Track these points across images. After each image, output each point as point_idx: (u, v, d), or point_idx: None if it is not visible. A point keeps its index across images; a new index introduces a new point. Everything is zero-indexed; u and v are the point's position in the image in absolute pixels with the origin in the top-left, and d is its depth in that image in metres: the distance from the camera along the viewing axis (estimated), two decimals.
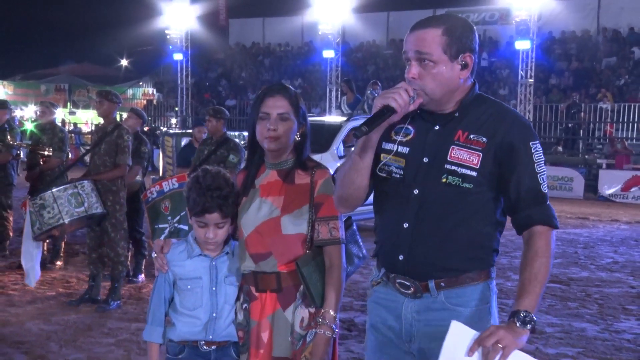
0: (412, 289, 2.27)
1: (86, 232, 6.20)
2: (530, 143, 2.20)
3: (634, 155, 18.09)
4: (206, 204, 2.53)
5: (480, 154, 2.18)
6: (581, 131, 20.67)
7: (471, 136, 2.20)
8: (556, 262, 8.46)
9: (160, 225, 6.05)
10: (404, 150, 2.27)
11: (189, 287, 2.61)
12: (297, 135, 2.56)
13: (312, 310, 2.51)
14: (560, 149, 19.38)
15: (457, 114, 2.24)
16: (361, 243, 2.80)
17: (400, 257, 2.26)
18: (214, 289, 2.61)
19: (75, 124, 29.89)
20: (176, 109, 27.22)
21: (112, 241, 5.88)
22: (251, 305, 2.57)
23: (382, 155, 2.29)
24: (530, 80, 20.06)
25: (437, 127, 2.25)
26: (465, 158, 2.18)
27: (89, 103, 31.79)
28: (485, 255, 2.29)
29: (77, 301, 5.98)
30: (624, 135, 19.59)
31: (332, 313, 2.47)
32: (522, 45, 19.74)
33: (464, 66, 2.21)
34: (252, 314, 2.56)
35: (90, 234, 6.01)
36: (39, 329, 5.29)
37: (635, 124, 20.07)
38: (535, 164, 2.19)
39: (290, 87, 2.62)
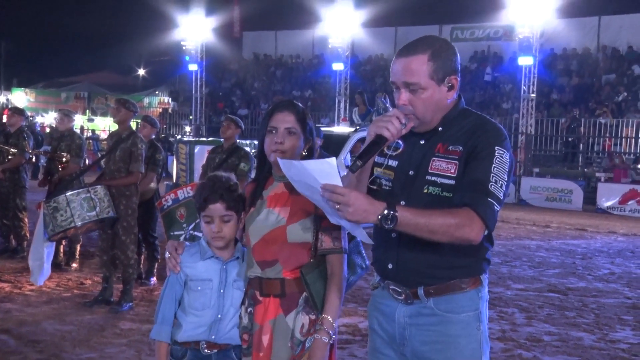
0: (403, 295, 2.35)
1: (98, 235, 6.32)
2: (496, 147, 2.21)
3: (631, 170, 18.52)
4: (208, 195, 2.63)
5: (457, 162, 2.22)
6: (581, 145, 21.04)
7: (450, 147, 2.25)
8: (554, 272, 8.72)
9: (176, 232, 6.15)
10: (393, 163, 2.35)
11: (199, 288, 2.65)
12: (304, 150, 2.62)
13: (313, 317, 2.55)
14: None
15: (440, 128, 2.31)
16: (364, 254, 2.84)
17: (390, 266, 2.36)
18: (222, 291, 2.65)
19: (93, 131, 30.40)
20: (190, 117, 27.84)
21: (123, 244, 5.96)
22: (255, 308, 2.61)
23: (374, 168, 2.38)
24: (533, 95, 20.32)
25: (422, 141, 2.32)
26: (443, 168, 2.24)
27: (107, 111, 32.35)
28: (473, 264, 2.32)
29: (91, 302, 6.10)
30: (622, 150, 20.00)
31: (330, 320, 2.50)
32: (525, 61, 20.02)
33: (451, 87, 2.28)
34: (256, 318, 2.61)
35: (102, 237, 6.12)
36: (54, 328, 5.39)
37: (633, 139, 20.47)
38: (493, 166, 2.18)
39: (299, 104, 2.68)
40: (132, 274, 6.10)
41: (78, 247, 7.73)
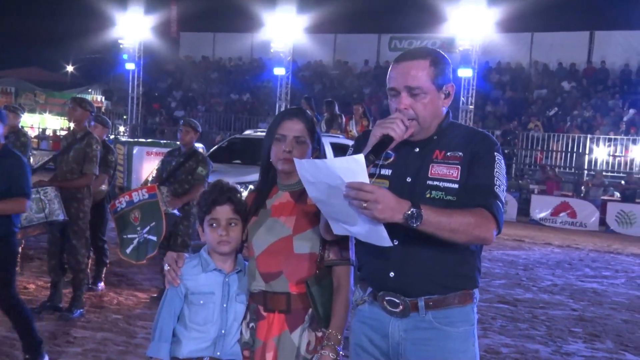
0: (401, 306, 2.31)
1: (47, 238, 6.11)
2: (495, 153, 2.31)
3: (562, 183, 19.24)
4: (216, 197, 2.57)
5: (459, 166, 2.28)
6: (514, 157, 21.77)
7: (448, 153, 2.31)
8: (500, 282, 8.90)
9: (129, 235, 6.01)
10: (387, 172, 2.36)
11: (201, 302, 2.55)
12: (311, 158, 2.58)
13: (320, 334, 2.48)
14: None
15: (435, 137, 2.36)
16: None
17: (392, 274, 2.31)
18: (225, 305, 2.56)
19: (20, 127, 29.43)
20: (125, 117, 27.25)
21: (74, 248, 5.80)
22: (258, 324, 2.53)
23: None
24: (471, 106, 20.78)
25: (417, 150, 2.35)
26: (445, 172, 2.28)
27: (35, 107, 31.41)
28: (471, 272, 2.36)
29: (39, 309, 5.81)
30: (552, 163, 20.71)
31: (337, 335, 2.43)
32: (465, 73, 20.41)
33: (447, 95, 2.36)
34: (258, 334, 2.53)
35: (51, 240, 5.94)
36: (2, 336, 5.13)
37: (562, 153, 21.27)
38: (495, 170, 2.28)
39: (308, 112, 2.66)
40: (83, 279, 5.93)
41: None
